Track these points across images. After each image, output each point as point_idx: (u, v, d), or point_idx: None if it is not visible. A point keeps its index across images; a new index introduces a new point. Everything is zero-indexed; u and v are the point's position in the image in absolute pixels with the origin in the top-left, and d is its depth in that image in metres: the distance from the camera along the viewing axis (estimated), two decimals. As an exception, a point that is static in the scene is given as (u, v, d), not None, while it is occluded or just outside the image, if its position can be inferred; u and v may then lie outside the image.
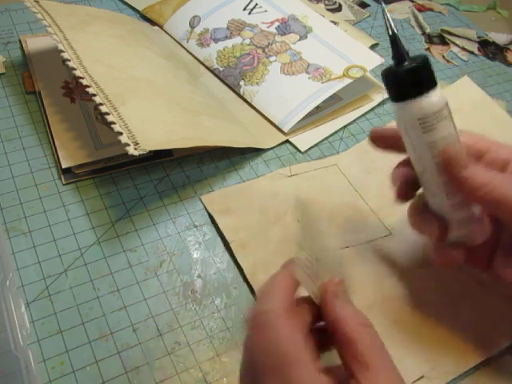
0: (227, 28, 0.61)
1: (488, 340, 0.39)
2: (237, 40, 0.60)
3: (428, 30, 0.72)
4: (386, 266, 0.43)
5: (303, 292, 0.29)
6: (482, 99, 0.57)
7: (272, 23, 0.62)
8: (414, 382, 0.36)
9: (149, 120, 0.43)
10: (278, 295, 0.28)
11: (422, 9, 0.76)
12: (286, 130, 0.53)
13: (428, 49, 0.69)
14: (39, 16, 0.49)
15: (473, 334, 0.39)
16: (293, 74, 0.56)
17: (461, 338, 0.39)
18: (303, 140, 0.53)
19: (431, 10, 0.77)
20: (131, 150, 0.39)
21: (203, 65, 0.59)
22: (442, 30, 0.72)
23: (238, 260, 0.42)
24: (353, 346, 0.26)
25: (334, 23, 0.63)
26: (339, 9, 0.73)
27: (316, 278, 0.29)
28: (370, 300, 0.41)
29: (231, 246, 0.42)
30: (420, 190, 0.36)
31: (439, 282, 0.42)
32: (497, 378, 0.38)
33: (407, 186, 0.36)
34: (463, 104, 0.56)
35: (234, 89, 0.57)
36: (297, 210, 0.33)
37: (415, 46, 0.69)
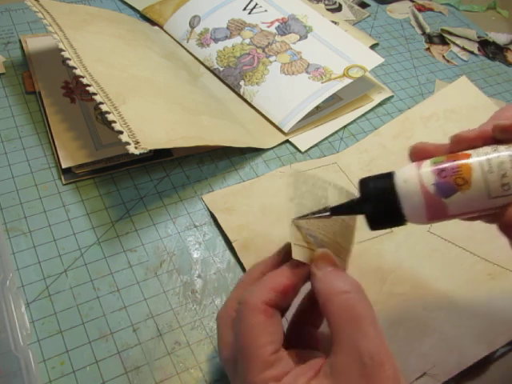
0: (227, 28, 0.61)
1: (489, 336, 0.39)
2: (237, 40, 0.60)
3: (428, 30, 0.72)
4: (388, 263, 0.43)
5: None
6: (479, 99, 0.57)
7: (272, 23, 0.62)
8: (417, 379, 0.36)
9: (149, 119, 0.43)
10: (259, 287, 0.30)
11: (421, 9, 0.76)
12: (286, 130, 0.53)
13: (428, 49, 0.69)
14: (39, 15, 0.49)
15: (474, 331, 0.39)
16: (293, 74, 0.56)
17: (462, 334, 0.39)
18: (303, 140, 0.53)
19: (431, 9, 0.77)
20: (132, 149, 0.38)
21: (203, 65, 0.59)
22: (442, 30, 0.72)
23: (241, 259, 0.42)
24: (325, 316, 0.28)
25: (334, 23, 0.63)
26: (339, 9, 0.73)
27: (318, 247, 0.31)
28: (372, 297, 0.40)
29: (234, 245, 0.42)
30: None
31: (441, 279, 0.42)
32: (499, 374, 0.38)
33: None
34: (460, 104, 0.56)
35: (234, 89, 0.57)
36: (289, 188, 0.32)
37: (415, 46, 0.69)
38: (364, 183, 0.29)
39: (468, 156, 0.27)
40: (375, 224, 0.29)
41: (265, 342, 0.28)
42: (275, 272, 0.31)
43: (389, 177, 0.28)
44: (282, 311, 0.30)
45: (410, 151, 0.31)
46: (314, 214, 0.31)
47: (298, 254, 0.30)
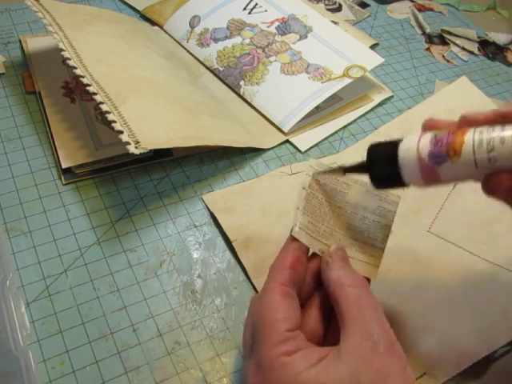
0: (227, 28, 0.61)
1: (489, 336, 0.39)
2: (237, 40, 0.60)
3: (428, 30, 0.72)
4: (388, 262, 0.43)
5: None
6: (479, 99, 0.57)
7: (272, 23, 0.62)
8: (417, 379, 0.36)
9: (149, 119, 0.43)
10: (272, 275, 0.33)
11: (421, 9, 0.76)
12: (286, 130, 0.53)
13: (428, 49, 0.69)
14: (39, 15, 0.49)
15: (474, 331, 0.39)
16: (293, 74, 0.56)
17: (462, 334, 0.39)
18: (303, 140, 0.53)
19: (431, 9, 0.77)
20: (132, 149, 0.38)
21: (203, 65, 0.59)
22: (442, 30, 0.72)
23: (241, 259, 0.42)
24: (335, 305, 0.31)
25: (334, 23, 0.63)
26: (339, 9, 0.73)
27: (323, 236, 0.35)
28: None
29: (234, 245, 0.42)
30: None
31: (441, 279, 0.42)
32: (499, 374, 0.38)
33: None
34: (460, 104, 0.56)
35: (234, 89, 0.57)
36: (307, 176, 0.36)
37: (415, 46, 0.69)
38: (373, 148, 0.33)
39: (465, 132, 0.29)
40: (379, 184, 0.33)
41: (280, 318, 0.30)
42: (279, 254, 0.34)
43: (394, 145, 0.32)
44: (298, 289, 0.32)
45: (423, 123, 0.33)
46: (329, 171, 0.35)
47: (296, 233, 0.34)
